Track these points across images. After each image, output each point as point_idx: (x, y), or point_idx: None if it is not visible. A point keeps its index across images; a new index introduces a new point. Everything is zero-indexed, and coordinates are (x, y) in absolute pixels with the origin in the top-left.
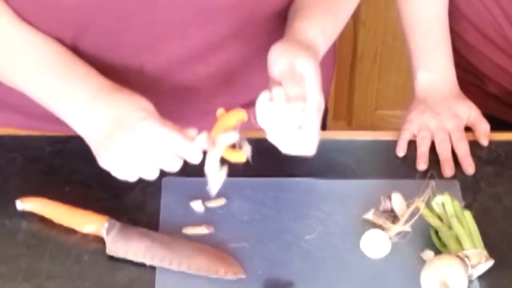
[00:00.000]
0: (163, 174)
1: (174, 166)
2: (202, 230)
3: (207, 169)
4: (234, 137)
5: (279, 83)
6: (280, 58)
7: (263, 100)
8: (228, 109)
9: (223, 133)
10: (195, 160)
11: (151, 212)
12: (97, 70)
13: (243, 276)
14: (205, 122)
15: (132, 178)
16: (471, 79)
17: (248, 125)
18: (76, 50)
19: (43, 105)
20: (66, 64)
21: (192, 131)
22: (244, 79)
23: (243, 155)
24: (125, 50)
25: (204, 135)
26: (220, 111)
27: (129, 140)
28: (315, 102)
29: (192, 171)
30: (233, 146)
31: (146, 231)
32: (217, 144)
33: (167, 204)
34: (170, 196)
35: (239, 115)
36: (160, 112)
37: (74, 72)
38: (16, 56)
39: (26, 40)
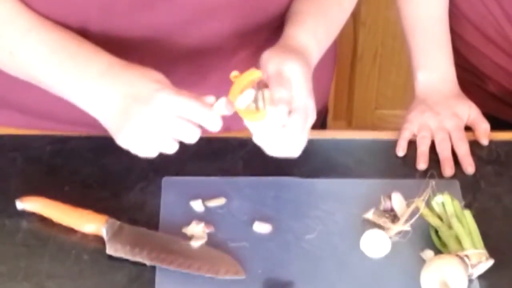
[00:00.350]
0: (163, 173)
1: (194, 136)
2: (202, 229)
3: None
4: (251, 95)
5: (266, 86)
6: (269, 62)
7: (243, 101)
8: (242, 71)
9: (240, 95)
10: (215, 127)
11: (151, 212)
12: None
13: (243, 276)
14: None
15: (152, 153)
16: (471, 78)
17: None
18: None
19: (51, 89)
20: (75, 42)
21: (210, 98)
22: None
23: (263, 114)
24: (126, 49)
25: (223, 100)
26: (234, 73)
27: (146, 114)
28: (301, 105)
29: (192, 170)
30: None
31: (146, 230)
32: (236, 107)
33: (167, 204)
34: (170, 195)
35: (254, 74)
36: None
37: (82, 50)
38: (24, 35)
39: (34, 19)
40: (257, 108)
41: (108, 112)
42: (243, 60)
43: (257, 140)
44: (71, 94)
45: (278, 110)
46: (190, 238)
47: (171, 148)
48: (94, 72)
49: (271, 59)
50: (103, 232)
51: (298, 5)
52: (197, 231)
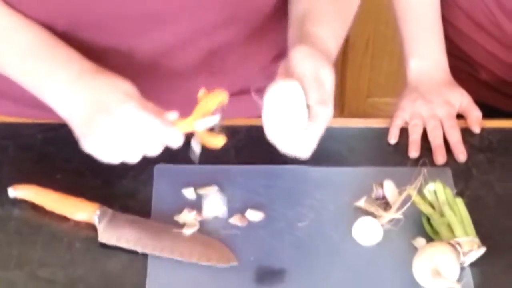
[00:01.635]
0: (155, 161)
1: (155, 151)
2: (193, 217)
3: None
4: (213, 120)
5: (291, 78)
6: (306, 60)
7: (276, 92)
8: (210, 89)
9: (202, 117)
10: (175, 144)
11: (143, 200)
12: (87, 56)
13: (235, 264)
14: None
15: (115, 161)
16: (463, 66)
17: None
18: (67, 37)
19: (30, 90)
20: (47, 47)
21: (173, 114)
22: (234, 67)
23: (221, 140)
24: (115, 35)
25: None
26: (201, 92)
27: (109, 124)
28: (328, 113)
29: (184, 159)
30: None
31: (138, 218)
32: (195, 128)
33: (159, 192)
34: (162, 183)
35: (219, 98)
36: (150, 97)
37: (55, 55)
38: (2, 34)
39: (7, 25)
40: (219, 131)
41: (74, 118)
42: (234, 48)
43: (271, 137)
44: (43, 98)
45: (306, 109)
46: (182, 226)
47: (134, 158)
48: (65, 78)
49: (309, 57)
50: (95, 220)
51: (316, 4)
52: (189, 219)
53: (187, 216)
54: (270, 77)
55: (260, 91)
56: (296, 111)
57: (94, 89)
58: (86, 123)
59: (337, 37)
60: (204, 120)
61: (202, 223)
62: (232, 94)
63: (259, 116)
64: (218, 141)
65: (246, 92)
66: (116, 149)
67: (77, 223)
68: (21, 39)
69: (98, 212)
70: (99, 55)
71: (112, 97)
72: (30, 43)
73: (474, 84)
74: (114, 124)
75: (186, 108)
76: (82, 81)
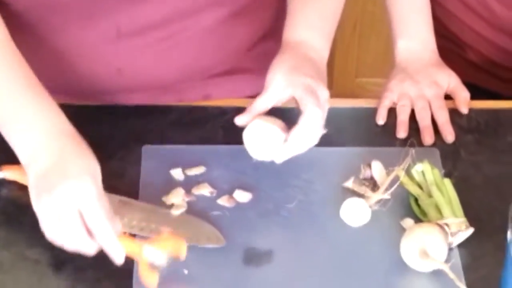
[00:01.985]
0: (143, 141)
1: (89, 249)
2: (182, 198)
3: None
4: (161, 260)
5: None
6: (301, 88)
7: (253, 129)
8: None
9: (154, 249)
10: (115, 257)
11: (131, 180)
12: (74, 36)
13: (224, 244)
14: (183, 85)
15: (54, 236)
16: (451, 47)
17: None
18: (50, 14)
19: None
20: (28, 90)
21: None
22: (220, 47)
23: (154, 279)
24: (101, 14)
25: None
26: (167, 230)
27: (61, 194)
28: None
29: (172, 139)
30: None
31: (126, 199)
32: (143, 253)
33: (147, 172)
34: (150, 164)
35: (180, 247)
36: (137, 77)
37: (36, 102)
38: None
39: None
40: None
41: (33, 169)
42: (220, 27)
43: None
44: (9, 135)
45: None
46: (170, 206)
47: (70, 246)
48: (43, 129)
49: (302, 87)
50: None
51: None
52: (177, 200)
53: (175, 197)
54: (257, 58)
55: (248, 72)
56: (272, 143)
57: (62, 151)
58: (41, 181)
59: (330, 34)
60: (155, 252)
61: (190, 204)
62: (219, 75)
63: (247, 96)
64: (151, 279)
65: (234, 73)
66: (59, 227)
67: None
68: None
69: None
70: (84, 34)
71: (75, 170)
72: (10, 80)
73: (462, 65)
74: (64, 197)
75: (174, 85)
76: (55, 136)
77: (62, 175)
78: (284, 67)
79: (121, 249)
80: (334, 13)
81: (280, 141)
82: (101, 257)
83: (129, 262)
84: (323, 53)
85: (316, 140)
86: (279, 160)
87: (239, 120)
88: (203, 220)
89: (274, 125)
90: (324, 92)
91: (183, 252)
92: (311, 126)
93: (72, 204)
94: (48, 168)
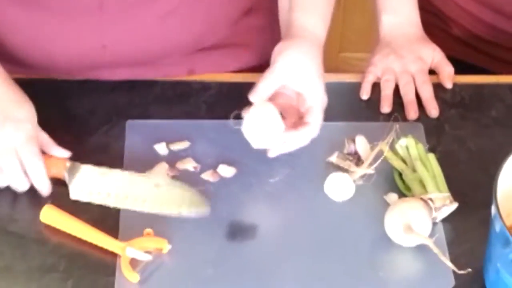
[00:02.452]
0: (126, 116)
1: (20, 185)
2: (165, 173)
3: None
4: (145, 258)
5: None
6: (301, 83)
7: (253, 114)
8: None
9: (137, 249)
10: (43, 191)
11: (115, 155)
12: (56, 9)
13: (208, 212)
14: (167, 60)
15: None
16: (435, 21)
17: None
18: None
19: None
20: None
21: (64, 153)
22: (205, 20)
23: (135, 278)
24: None
25: None
26: (148, 230)
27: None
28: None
29: (156, 114)
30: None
31: (108, 170)
32: (126, 252)
33: (131, 147)
34: (134, 138)
35: (162, 245)
36: (121, 52)
37: None
38: None
39: None
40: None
41: None
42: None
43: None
44: None
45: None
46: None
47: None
48: None
49: (321, 101)
50: (65, 176)
51: None
52: (161, 174)
53: (159, 172)
54: (242, 32)
55: (232, 47)
56: (272, 129)
57: (3, 102)
58: None
59: (325, 19)
60: (137, 253)
61: (174, 179)
62: (203, 50)
63: (231, 71)
64: (132, 277)
65: (218, 48)
66: None
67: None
68: None
69: (68, 166)
70: (68, 7)
71: (13, 113)
72: None
73: (446, 40)
74: (3, 140)
75: (163, 59)
76: None
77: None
78: (304, 62)
79: (48, 184)
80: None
81: (279, 131)
82: (85, 252)
83: (113, 257)
84: (321, 37)
85: (306, 142)
86: (272, 154)
87: (253, 98)
88: (189, 187)
89: (275, 115)
90: (326, 100)
91: (165, 248)
92: (309, 137)
93: (9, 145)
94: None
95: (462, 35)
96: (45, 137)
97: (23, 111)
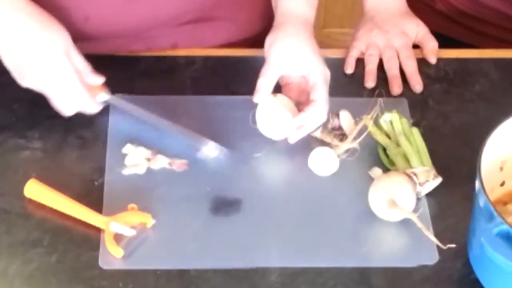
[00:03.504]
0: (111, 91)
1: (68, 110)
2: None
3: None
4: (129, 233)
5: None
6: (299, 67)
7: (265, 107)
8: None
9: (121, 224)
10: (87, 109)
11: (99, 129)
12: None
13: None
14: (151, 33)
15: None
16: None
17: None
18: None
19: None
20: None
21: (99, 79)
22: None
23: (119, 252)
24: None
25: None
26: (132, 205)
27: (34, 66)
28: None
29: (140, 89)
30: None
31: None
32: (110, 227)
33: (115, 122)
34: (118, 114)
35: (147, 219)
36: (104, 24)
37: None
38: None
39: None
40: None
41: (4, 48)
42: None
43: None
44: None
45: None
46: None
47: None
48: (8, 4)
49: (322, 77)
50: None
51: None
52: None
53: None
54: (226, 6)
55: (216, 21)
56: (281, 120)
57: (31, 27)
58: (20, 62)
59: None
60: (121, 227)
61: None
62: (187, 23)
63: (215, 46)
64: (116, 252)
65: (202, 21)
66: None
67: (33, 152)
68: None
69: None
70: None
71: (42, 43)
72: None
73: (430, 14)
74: (39, 67)
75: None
76: (23, 14)
77: (33, 49)
78: (297, 47)
79: (92, 102)
80: None
81: (286, 120)
82: (70, 226)
83: (97, 232)
84: (311, 18)
85: (324, 118)
86: (292, 141)
87: (257, 99)
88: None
89: (278, 107)
90: (328, 72)
91: (149, 222)
92: (321, 113)
93: (48, 68)
94: (18, 44)
95: (446, 10)
96: (80, 63)
97: (54, 39)
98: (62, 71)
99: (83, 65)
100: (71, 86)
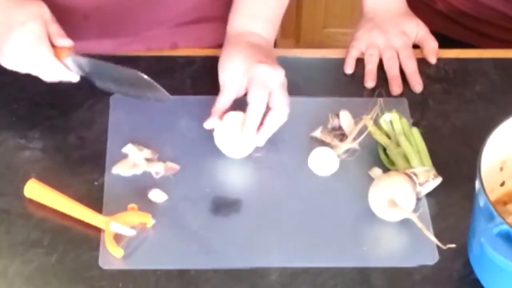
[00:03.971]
0: (111, 92)
1: (46, 77)
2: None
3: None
4: (129, 233)
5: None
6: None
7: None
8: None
9: (121, 224)
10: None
11: (99, 130)
12: None
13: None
14: (150, 33)
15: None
16: None
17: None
18: None
19: None
20: None
21: (66, 41)
22: None
23: (119, 253)
24: None
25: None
26: (132, 205)
27: (9, 41)
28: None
29: None
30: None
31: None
32: (110, 227)
33: (115, 122)
34: (118, 113)
35: (146, 220)
36: (104, 24)
37: None
38: None
39: None
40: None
41: None
42: None
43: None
44: None
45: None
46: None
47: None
48: None
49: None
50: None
51: None
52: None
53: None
54: (225, 6)
55: (215, 21)
56: (235, 139)
57: (6, 9)
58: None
59: (275, 19)
60: (121, 227)
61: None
62: (187, 23)
63: (216, 46)
64: (116, 252)
65: (201, 21)
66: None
67: (34, 153)
68: None
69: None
70: None
71: (16, 18)
72: None
73: (430, 14)
74: (14, 44)
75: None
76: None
77: (8, 27)
78: (236, 61)
79: (61, 69)
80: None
81: (247, 136)
82: (70, 226)
83: (97, 232)
84: (268, 37)
85: (284, 119)
86: (260, 144)
87: (207, 125)
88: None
89: (233, 127)
90: (281, 72)
91: (149, 222)
92: (280, 118)
93: (20, 51)
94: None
95: (446, 10)
96: (53, 28)
97: (25, 11)
98: (36, 33)
99: (56, 29)
100: (40, 46)
